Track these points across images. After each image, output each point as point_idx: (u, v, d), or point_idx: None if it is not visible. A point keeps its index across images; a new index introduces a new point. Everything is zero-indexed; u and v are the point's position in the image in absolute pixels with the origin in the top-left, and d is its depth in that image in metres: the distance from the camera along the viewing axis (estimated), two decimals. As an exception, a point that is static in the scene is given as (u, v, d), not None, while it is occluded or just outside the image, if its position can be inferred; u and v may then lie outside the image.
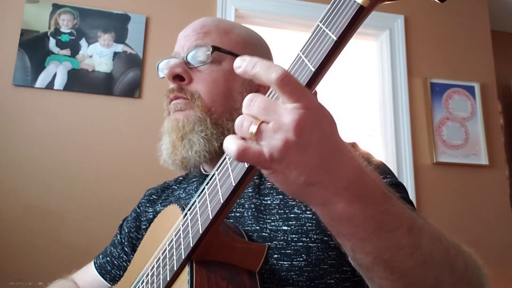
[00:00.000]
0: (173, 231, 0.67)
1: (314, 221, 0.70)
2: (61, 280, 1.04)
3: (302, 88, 0.42)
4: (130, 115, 2.14)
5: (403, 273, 0.47)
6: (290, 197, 0.73)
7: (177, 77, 0.82)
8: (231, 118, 0.80)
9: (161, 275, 0.64)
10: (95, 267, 1.01)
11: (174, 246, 0.63)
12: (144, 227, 0.94)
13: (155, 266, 0.68)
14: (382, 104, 2.56)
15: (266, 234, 0.71)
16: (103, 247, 1.06)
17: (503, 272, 2.23)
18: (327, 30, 0.44)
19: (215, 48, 0.81)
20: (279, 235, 0.71)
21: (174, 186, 0.98)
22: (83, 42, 2.16)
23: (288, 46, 2.88)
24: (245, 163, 0.49)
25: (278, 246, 0.70)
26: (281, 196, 0.74)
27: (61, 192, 1.99)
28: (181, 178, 1.00)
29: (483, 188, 2.48)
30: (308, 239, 0.69)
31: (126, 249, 0.97)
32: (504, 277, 2.21)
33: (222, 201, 0.54)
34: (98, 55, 2.16)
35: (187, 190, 0.92)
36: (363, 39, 2.71)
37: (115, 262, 0.98)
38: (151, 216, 0.93)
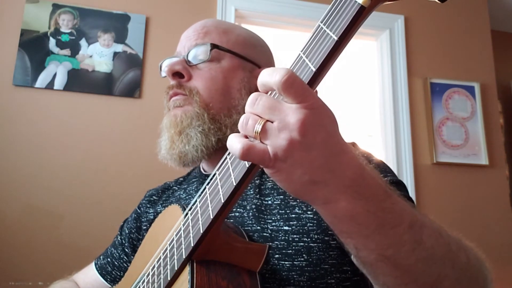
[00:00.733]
0: (174, 231, 0.67)
1: (315, 221, 0.70)
2: (62, 281, 1.04)
3: (306, 88, 0.42)
4: (130, 115, 2.14)
5: (406, 269, 0.47)
6: (291, 197, 0.74)
7: (176, 74, 0.84)
8: (228, 114, 0.82)
9: (161, 275, 0.65)
10: (96, 268, 1.01)
11: (175, 246, 0.64)
12: (144, 227, 0.94)
13: (156, 266, 0.69)
14: (382, 104, 2.57)
15: (267, 234, 0.72)
16: (103, 247, 1.06)
17: (503, 272, 2.24)
18: (328, 30, 0.44)
19: (213, 46, 0.83)
20: (280, 235, 0.71)
21: (174, 187, 0.99)
22: (83, 42, 2.16)
23: (288, 46, 2.89)
24: (247, 163, 0.49)
25: (279, 246, 0.70)
26: (282, 197, 0.75)
27: (61, 192, 1.99)
28: (181, 179, 1.00)
29: (483, 188, 2.48)
30: (309, 239, 0.69)
31: (126, 250, 0.97)
32: (504, 277, 2.21)
33: (223, 201, 0.54)
34: (98, 55, 2.16)
35: (187, 191, 0.93)
36: (363, 39, 2.71)
37: (116, 263, 0.98)
38: (151, 217, 0.94)
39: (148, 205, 0.98)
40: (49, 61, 2.09)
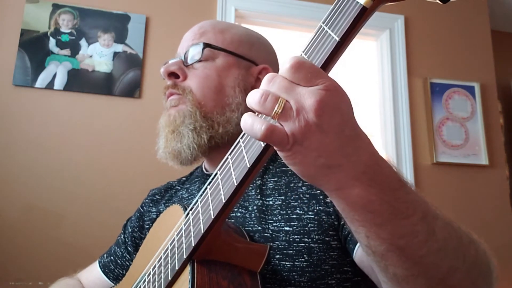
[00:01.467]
0: (175, 230, 0.68)
1: (316, 222, 0.70)
2: (66, 278, 1.05)
3: (317, 70, 0.42)
4: (130, 115, 2.14)
5: (417, 261, 0.46)
6: (292, 197, 0.74)
7: (172, 75, 0.86)
8: (222, 112, 0.83)
9: (162, 274, 0.65)
10: (99, 266, 1.02)
11: (176, 246, 0.64)
12: (147, 226, 0.96)
13: (157, 265, 0.69)
14: (382, 104, 2.57)
15: (268, 235, 0.72)
16: (103, 246, 1.06)
17: (503, 272, 2.24)
18: (329, 31, 0.44)
19: (206, 45, 0.84)
20: (281, 235, 0.71)
21: (177, 187, 1.00)
22: (83, 42, 2.16)
23: (288, 46, 2.88)
24: (248, 163, 0.49)
25: (280, 246, 0.70)
26: (283, 197, 0.75)
27: (61, 192, 1.99)
28: (184, 178, 1.02)
29: (483, 188, 2.48)
30: (310, 240, 0.70)
31: (129, 248, 0.98)
32: (504, 277, 2.22)
33: (224, 201, 0.54)
34: (98, 55, 2.16)
35: (189, 190, 0.93)
36: (363, 39, 2.71)
37: (118, 261, 0.99)
38: (154, 216, 0.95)
39: (151, 204, 0.99)
40: (49, 61, 2.09)
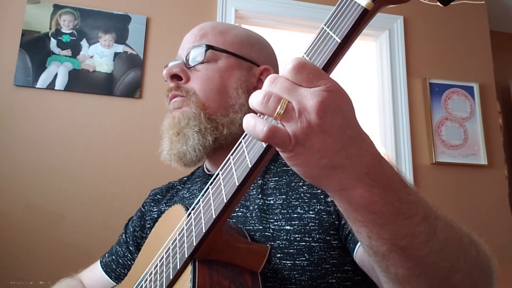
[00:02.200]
0: (177, 230, 0.68)
1: (316, 221, 0.71)
2: (67, 279, 1.05)
3: (319, 71, 0.42)
4: (131, 115, 2.14)
5: (419, 261, 0.46)
6: (293, 197, 0.74)
7: (175, 77, 0.86)
8: (225, 113, 0.83)
9: (164, 274, 0.65)
10: (101, 266, 1.03)
11: (178, 245, 0.64)
12: (148, 226, 0.96)
13: (159, 265, 0.69)
14: (381, 105, 2.57)
15: (269, 234, 0.72)
16: (104, 246, 1.07)
17: (502, 272, 2.24)
18: (331, 33, 0.44)
19: (208, 47, 0.84)
20: (282, 234, 0.71)
21: (178, 186, 1.00)
22: (84, 42, 2.16)
23: (288, 46, 2.89)
24: (249, 163, 0.50)
25: (281, 245, 0.71)
26: (284, 196, 0.75)
27: (62, 191, 1.99)
28: (185, 178, 1.02)
29: (482, 188, 2.49)
30: (310, 239, 0.70)
31: (131, 248, 0.98)
32: (504, 277, 2.22)
33: (225, 201, 0.54)
34: (99, 55, 2.16)
35: (191, 190, 0.94)
36: (362, 40, 2.71)
37: (120, 261, 0.99)
38: (155, 216, 0.95)
39: (152, 204, 0.99)
40: (50, 62, 2.10)
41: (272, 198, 0.77)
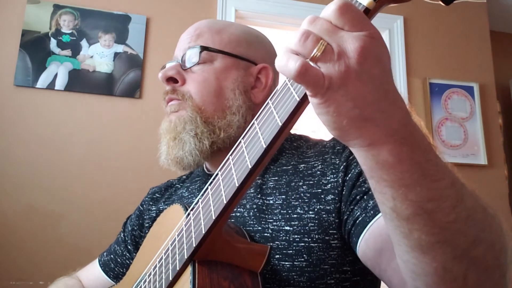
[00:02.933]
0: (176, 230, 0.68)
1: (316, 221, 0.70)
2: (65, 278, 1.04)
3: (364, 17, 0.41)
4: (131, 115, 2.15)
5: (444, 226, 0.44)
6: (293, 197, 0.74)
7: (170, 79, 0.85)
8: (222, 116, 0.82)
9: (163, 275, 0.65)
10: (99, 265, 1.02)
11: (177, 246, 0.64)
12: (147, 225, 0.95)
13: (158, 266, 0.69)
14: (381, 105, 2.57)
15: (268, 235, 0.72)
16: (103, 246, 1.07)
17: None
18: None
19: (203, 48, 0.83)
20: (281, 235, 0.71)
21: (177, 185, 0.99)
22: (84, 42, 2.16)
23: (288, 46, 2.89)
24: (249, 163, 0.50)
25: (280, 246, 0.70)
26: (283, 196, 0.75)
27: (61, 191, 1.99)
28: (184, 177, 1.01)
29: (482, 188, 2.47)
30: (310, 239, 0.69)
31: (129, 247, 0.98)
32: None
33: (225, 202, 0.54)
34: (99, 55, 2.16)
35: (190, 189, 0.93)
36: (362, 40, 2.71)
37: (119, 260, 0.99)
38: (154, 215, 0.94)
39: (151, 203, 0.98)
40: (50, 62, 2.10)
41: (271, 198, 0.76)
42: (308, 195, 0.73)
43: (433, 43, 2.65)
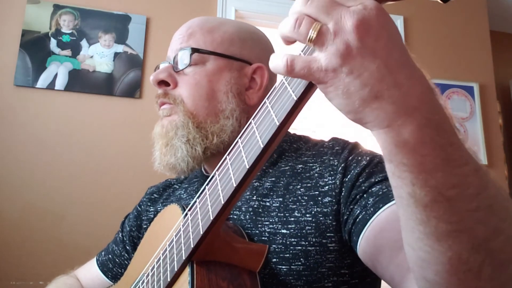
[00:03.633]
0: (174, 231, 0.67)
1: (313, 224, 0.69)
2: (64, 276, 1.04)
3: None
4: (131, 115, 2.15)
5: (465, 215, 0.41)
6: (290, 199, 0.72)
7: (162, 83, 0.82)
8: (215, 120, 0.79)
9: (161, 275, 0.65)
10: (97, 264, 1.01)
11: (175, 247, 0.64)
12: (145, 226, 0.94)
13: (155, 267, 0.69)
14: (381, 105, 2.57)
15: (265, 238, 0.71)
16: (103, 246, 1.06)
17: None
18: None
19: (194, 50, 0.80)
20: (278, 238, 0.70)
21: (175, 185, 0.98)
22: (84, 42, 2.16)
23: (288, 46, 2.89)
24: (247, 163, 0.50)
25: (276, 249, 0.69)
26: (281, 199, 0.73)
27: (61, 192, 1.99)
28: (182, 177, 1.00)
29: (482, 188, 2.49)
30: (307, 243, 0.68)
31: (127, 247, 0.97)
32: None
33: (223, 202, 0.54)
34: (99, 55, 2.16)
35: (188, 191, 0.92)
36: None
37: (117, 260, 0.98)
38: (152, 216, 0.93)
39: (149, 203, 0.98)
40: (50, 62, 2.10)
41: (268, 200, 0.74)
42: (306, 197, 0.71)
43: (433, 43, 2.65)
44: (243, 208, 0.76)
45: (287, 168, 0.78)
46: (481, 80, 2.65)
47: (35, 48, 2.10)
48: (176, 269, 0.61)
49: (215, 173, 0.59)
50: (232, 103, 0.80)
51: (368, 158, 0.70)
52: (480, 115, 2.57)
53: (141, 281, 0.73)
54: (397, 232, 0.50)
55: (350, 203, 0.67)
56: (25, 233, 1.92)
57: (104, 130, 2.10)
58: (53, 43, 2.13)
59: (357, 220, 0.64)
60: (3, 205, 1.93)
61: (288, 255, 0.68)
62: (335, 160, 0.72)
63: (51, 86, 2.07)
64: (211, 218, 0.56)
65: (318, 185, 0.71)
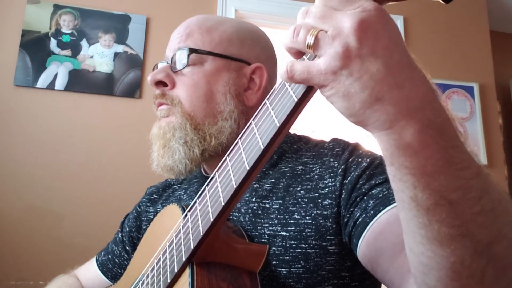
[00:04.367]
0: (173, 232, 0.67)
1: (313, 227, 0.68)
2: (64, 276, 1.04)
3: None
4: (131, 115, 2.15)
5: (468, 219, 0.40)
6: (290, 202, 0.72)
7: (160, 83, 0.81)
8: (214, 122, 0.78)
9: (161, 277, 0.64)
10: (97, 264, 1.01)
11: (175, 248, 0.63)
12: (144, 227, 0.94)
13: (155, 268, 0.69)
14: (381, 105, 2.57)
15: (265, 240, 0.70)
16: (103, 246, 1.06)
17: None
18: None
19: (192, 50, 0.79)
20: (278, 240, 0.69)
21: (175, 186, 0.98)
22: (84, 42, 2.16)
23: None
24: (247, 164, 0.49)
25: (276, 252, 0.69)
26: (281, 201, 0.73)
27: (62, 191, 1.99)
28: (181, 177, 0.99)
29: (482, 188, 2.49)
30: (306, 245, 0.67)
31: (127, 247, 0.97)
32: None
33: (223, 203, 0.54)
34: (99, 55, 2.16)
35: (188, 192, 0.92)
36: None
37: (116, 260, 0.98)
38: (151, 216, 0.93)
39: (149, 204, 0.97)
40: (50, 62, 2.10)
41: (268, 202, 0.74)
42: (306, 200, 0.71)
43: (433, 43, 2.65)
44: (243, 210, 0.75)
45: (287, 169, 0.77)
46: (481, 80, 2.65)
47: (35, 48, 2.09)
48: (176, 270, 0.60)
49: (215, 174, 0.59)
50: (230, 104, 0.79)
51: (368, 160, 0.69)
52: (480, 115, 2.57)
53: (140, 282, 0.73)
54: (397, 235, 0.50)
55: (350, 205, 0.66)
56: (25, 233, 1.92)
57: (104, 130, 2.10)
58: (53, 43, 2.12)
59: (357, 223, 0.64)
60: (3, 205, 1.93)
61: (287, 257, 0.68)
62: (335, 162, 0.72)
63: (51, 86, 2.07)
64: (211, 219, 0.55)
65: (318, 187, 0.71)
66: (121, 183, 2.05)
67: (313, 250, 0.67)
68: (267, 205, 0.73)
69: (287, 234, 0.69)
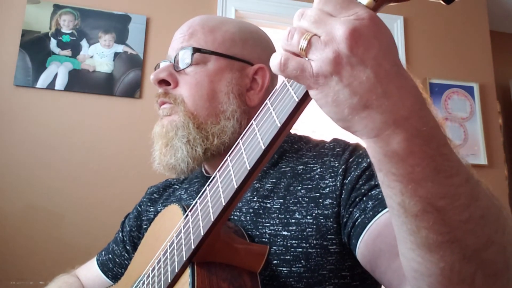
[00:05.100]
0: (174, 232, 0.67)
1: (314, 226, 0.68)
2: (65, 275, 1.04)
3: (352, 0, 0.40)
4: (131, 115, 2.15)
5: (455, 226, 0.40)
6: (291, 201, 0.72)
7: (163, 82, 0.81)
8: (216, 121, 0.78)
9: (162, 276, 0.65)
10: (98, 264, 1.01)
11: (175, 248, 0.64)
12: (145, 226, 0.94)
13: (156, 268, 0.69)
14: (381, 105, 2.57)
15: (266, 240, 0.70)
16: (103, 246, 1.06)
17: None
18: None
19: (195, 50, 0.79)
20: (279, 240, 0.69)
21: (175, 185, 0.98)
22: (84, 42, 2.16)
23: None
24: (248, 165, 0.49)
25: (277, 251, 0.69)
26: (281, 201, 0.73)
27: (62, 191, 1.99)
28: (183, 177, 0.99)
29: (482, 188, 2.49)
30: (307, 245, 0.68)
31: (127, 247, 0.97)
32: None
33: (224, 204, 0.54)
34: (99, 55, 2.16)
35: (188, 191, 0.92)
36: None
37: (117, 260, 0.98)
38: (152, 216, 0.93)
39: (149, 204, 0.97)
40: (50, 62, 2.10)
41: (269, 201, 0.74)
42: (307, 199, 0.71)
43: (433, 43, 2.65)
44: (244, 209, 0.75)
45: (288, 169, 0.77)
46: (481, 80, 2.65)
47: (35, 48, 2.09)
48: (176, 270, 0.61)
49: (216, 174, 0.59)
50: (233, 104, 0.79)
51: (368, 160, 0.69)
52: (480, 115, 2.57)
53: (141, 282, 0.73)
54: (396, 237, 0.50)
55: (349, 205, 0.66)
56: (25, 233, 1.92)
57: (104, 130, 2.10)
58: (53, 43, 2.12)
59: (356, 223, 0.64)
60: (3, 205, 1.93)
61: (288, 257, 0.68)
62: (336, 162, 0.72)
63: (51, 86, 2.07)
64: (212, 220, 0.55)
65: (319, 186, 0.71)
66: (121, 183, 2.05)
67: (314, 250, 0.68)
68: (268, 205, 0.74)
69: (288, 233, 0.69)
